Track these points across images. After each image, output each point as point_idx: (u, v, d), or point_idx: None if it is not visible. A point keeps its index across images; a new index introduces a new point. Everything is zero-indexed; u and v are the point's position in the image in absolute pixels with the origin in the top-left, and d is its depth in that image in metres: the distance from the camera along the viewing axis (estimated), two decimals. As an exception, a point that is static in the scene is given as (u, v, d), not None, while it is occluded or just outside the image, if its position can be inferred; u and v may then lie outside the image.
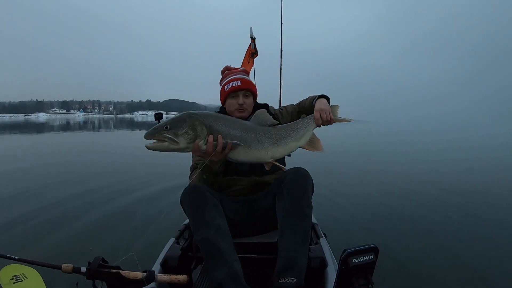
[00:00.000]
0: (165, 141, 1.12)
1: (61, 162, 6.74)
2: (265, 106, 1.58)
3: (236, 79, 1.46)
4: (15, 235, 2.75)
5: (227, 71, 1.55)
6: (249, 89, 1.48)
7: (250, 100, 1.49)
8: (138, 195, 3.95)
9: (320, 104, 1.33)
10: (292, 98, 1.62)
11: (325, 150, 1.30)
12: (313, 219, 1.70)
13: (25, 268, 1.09)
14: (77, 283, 1.09)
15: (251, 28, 2.76)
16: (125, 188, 4.32)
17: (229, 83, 1.47)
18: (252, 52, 2.72)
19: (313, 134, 1.35)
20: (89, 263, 1.11)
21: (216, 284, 1.05)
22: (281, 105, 1.63)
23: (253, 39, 2.73)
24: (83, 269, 1.10)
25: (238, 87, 1.45)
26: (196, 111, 1.21)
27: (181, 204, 1.24)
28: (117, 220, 3.06)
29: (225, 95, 1.48)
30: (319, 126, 1.32)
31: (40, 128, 21.84)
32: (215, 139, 1.15)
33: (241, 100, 1.45)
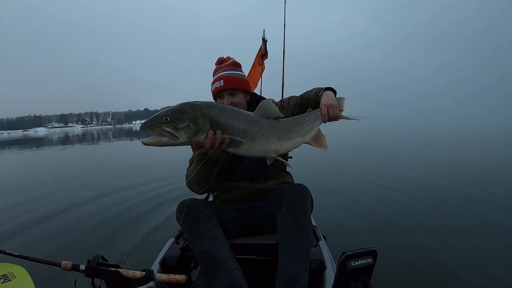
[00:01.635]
0: (164, 135, 1.01)
1: (65, 169, 6.83)
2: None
3: (220, 79, 1.35)
4: (19, 234, 2.78)
5: (217, 66, 1.44)
6: (235, 88, 1.35)
7: (238, 99, 1.37)
8: (140, 196, 3.98)
9: (327, 98, 1.25)
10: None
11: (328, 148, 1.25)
12: (313, 221, 1.70)
13: (13, 267, 1.08)
14: (75, 281, 1.09)
15: (264, 30, 2.76)
16: (127, 190, 4.36)
17: (214, 83, 1.37)
18: (262, 54, 2.73)
19: (319, 130, 1.29)
20: (89, 261, 1.11)
21: None
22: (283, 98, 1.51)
23: (264, 41, 2.73)
24: (82, 267, 1.10)
25: (221, 88, 1.34)
26: (198, 101, 1.09)
27: (177, 220, 1.24)
28: (119, 220, 3.08)
29: (213, 96, 1.41)
30: (325, 122, 1.26)
31: (39, 142, 22.00)
32: (215, 133, 1.04)
33: (226, 101, 1.34)
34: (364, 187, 4.09)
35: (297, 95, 1.47)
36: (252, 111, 1.34)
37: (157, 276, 1.15)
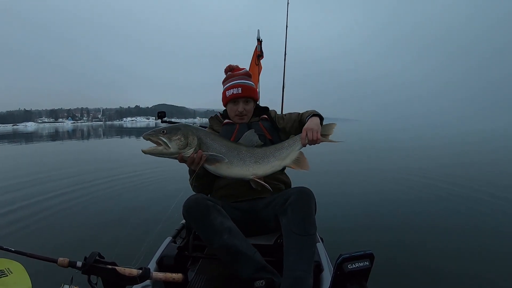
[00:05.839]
0: (160, 144, 1.22)
1: (60, 167, 6.82)
2: (266, 109, 1.63)
3: (237, 86, 1.50)
4: (15, 230, 2.77)
5: (229, 73, 1.59)
6: (250, 97, 1.52)
7: (250, 106, 1.55)
8: (138, 194, 3.98)
9: (310, 123, 1.35)
10: (291, 105, 1.63)
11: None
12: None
13: (10, 263, 1.08)
14: (72, 277, 1.09)
15: (258, 31, 2.78)
16: (125, 187, 4.36)
17: (230, 89, 1.51)
18: (258, 54, 2.74)
19: (300, 153, 1.37)
20: (85, 258, 1.11)
21: (248, 279, 1.11)
22: (283, 108, 1.73)
23: (259, 41, 2.75)
24: (79, 263, 1.10)
25: (238, 95, 1.49)
26: (190, 124, 1.35)
27: (185, 219, 1.25)
28: (116, 218, 3.08)
29: (227, 101, 1.54)
30: (305, 146, 1.34)
31: (29, 137, 21.99)
32: (196, 151, 1.24)
33: (241, 107, 1.51)
34: (361, 189, 4.10)
35: (299, 112, 1.59)
36: (257, 117, 1.58)
37: (153, 274, 1.15)
